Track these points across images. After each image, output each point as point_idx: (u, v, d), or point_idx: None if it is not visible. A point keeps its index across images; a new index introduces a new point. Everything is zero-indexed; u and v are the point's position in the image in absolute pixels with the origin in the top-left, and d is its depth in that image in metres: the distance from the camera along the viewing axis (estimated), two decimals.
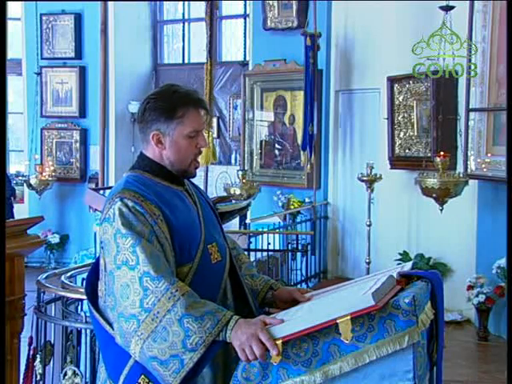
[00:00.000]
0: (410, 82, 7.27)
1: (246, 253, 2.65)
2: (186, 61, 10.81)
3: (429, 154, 6.87)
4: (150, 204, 2.16)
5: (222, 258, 2.30)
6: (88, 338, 3.39)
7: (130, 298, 2.05)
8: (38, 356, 3.53)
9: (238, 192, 7.89)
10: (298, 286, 7.57)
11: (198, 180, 7.87)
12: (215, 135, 9.76)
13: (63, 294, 3.65)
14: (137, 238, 2.09)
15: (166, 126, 2.23)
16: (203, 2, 8.00)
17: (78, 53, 10.33)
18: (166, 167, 2.28)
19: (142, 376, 2.13)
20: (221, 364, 2.21)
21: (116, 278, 2.10)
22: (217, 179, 9.87)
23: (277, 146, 9.10)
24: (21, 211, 9.50)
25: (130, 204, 2.14)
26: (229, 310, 2.12)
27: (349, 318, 1.89)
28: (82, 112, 10.41)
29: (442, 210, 6.19)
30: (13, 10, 10.24)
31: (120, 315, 2.08)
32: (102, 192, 7.68)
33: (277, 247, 7.57)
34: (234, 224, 7.63)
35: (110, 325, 2.18)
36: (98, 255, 2.32)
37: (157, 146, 2.26)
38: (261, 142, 9.26)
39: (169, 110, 2.22)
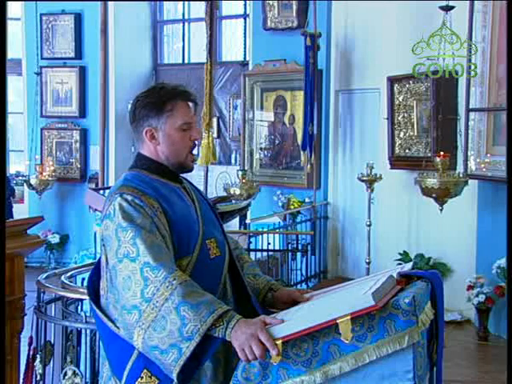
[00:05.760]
0: (410, 82, 7.27)
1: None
2: (186, 61, 10.80)
3: (429, 154, 6.87)
4: (149, 198, 2.20)
5: (221, 253, 2.32)
6: (88, 338, 3.40)
7: (132, 289, 2.07)
8: (38, 356, 3.53)
9: (238, 192, 7.88)
10: (298, 286, 7.58)
11: (198, 180, 7.88)
12: (215, 135, 9.74)
13: (63, 294, 3.66)
14: (137, 230, 2.12)
15: (157, 120, 2.27)
16: (203, 2, 7.98)
17: (78, 53, 10.32)
18: (163, 164, 2.31)
19: (145, 370, 2.15)
20: (222, 359, 2.22)
21: (118, 271, 2.12)
22: (217, 179, 9.86)
23: (277, 146, 9.10)
24: (21, 211, 9.49)
25: (130, 198, 2.18)
26: (229, 306, 2.11)
27: (349, 317, 1.89)
28: (82, 112, 10.40)
29: (441, 210, 6.18)
30: (13, 10, 10.24)
31: (123, 308, 2.10)
32: (102, 192, 7.68)
33: (277, 247, 7.57)
34: (234, 224, 7.63)
35: (113, 322, 2.20)
36: (99, 254, 2.34)
37: (151, 142, 2.30)
38: (261, 142, 9.26)
39: (158, 104, 2.27)
